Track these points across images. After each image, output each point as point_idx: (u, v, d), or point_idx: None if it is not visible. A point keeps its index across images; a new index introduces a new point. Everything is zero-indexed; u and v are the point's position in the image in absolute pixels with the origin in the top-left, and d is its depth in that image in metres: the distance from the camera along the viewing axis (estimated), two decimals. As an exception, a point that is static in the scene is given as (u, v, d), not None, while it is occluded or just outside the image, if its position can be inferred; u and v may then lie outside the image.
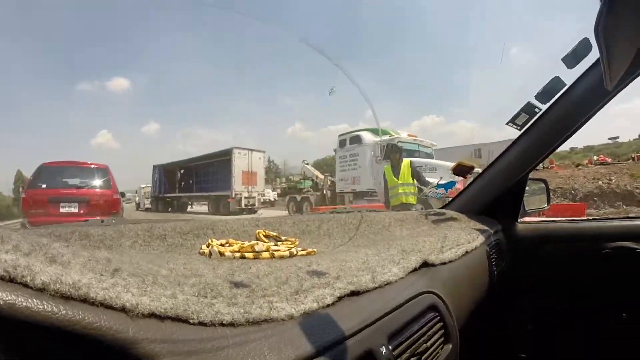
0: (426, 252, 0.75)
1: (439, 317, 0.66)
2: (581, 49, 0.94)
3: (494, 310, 1.23)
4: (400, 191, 4.08)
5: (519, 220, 1.39)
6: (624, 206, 11.00)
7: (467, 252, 0.91)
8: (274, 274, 0.47)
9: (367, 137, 11.21)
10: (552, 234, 1.32)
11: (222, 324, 0.34)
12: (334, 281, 0.49)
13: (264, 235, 0.80)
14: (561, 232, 1.32)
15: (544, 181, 1.62)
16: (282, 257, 0.64)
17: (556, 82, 1.08)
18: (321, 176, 14.08)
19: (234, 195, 14.60)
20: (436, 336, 0.63)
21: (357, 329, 0.45)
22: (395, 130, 11.36)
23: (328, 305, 0.44)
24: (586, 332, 1.23)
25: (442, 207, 1.47)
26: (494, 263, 1.08)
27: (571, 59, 0.97)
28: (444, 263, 0.78)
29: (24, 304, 0.24)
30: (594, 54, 0.94)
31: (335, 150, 12.54)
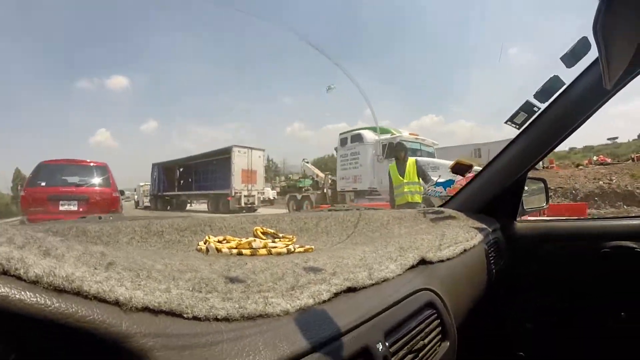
0: (424, 250, 0.75)
1: (436, 315, 0.65)
2: (580, 48, 0.94)
3: (493, 309, 1.23)
4: (406, 190, 4.10)
5: (517, 219, 1.39)
6: (625, 206, 11.02)
7: (465, 250, 0.90)
8: (270, 270, 0.47)
9: (369, 135, 11.18)
10: (551, 233, 1.32)
11: (216, 319, 0.33)
12: (330, 277, 0.49)
13: (261, 233, 0.80)
14: (560, 231, 1.32)
15: (543, 180, 1.62)
16: (279, 254, 0.63)
17: (555, 81, 1.08)
18: (321, 175, 14.06)
19: (233, 194, 14.55)
20: (433, 333, 0.63)
21: (354, 325, 0.44)
22: (397, 129, 11.34)
23: (324, 302, 0.44)
24: (585, 331, 1.23)
25: (441, 205, 1.47)
26: (492, 261, 1.08)
27: (570, 58, 0.97)
28: (442, 261, 0.78)
29: (17, 296, 0.23)
30: (593, 53, 0.94)
31: (336, 148, 12.50)
